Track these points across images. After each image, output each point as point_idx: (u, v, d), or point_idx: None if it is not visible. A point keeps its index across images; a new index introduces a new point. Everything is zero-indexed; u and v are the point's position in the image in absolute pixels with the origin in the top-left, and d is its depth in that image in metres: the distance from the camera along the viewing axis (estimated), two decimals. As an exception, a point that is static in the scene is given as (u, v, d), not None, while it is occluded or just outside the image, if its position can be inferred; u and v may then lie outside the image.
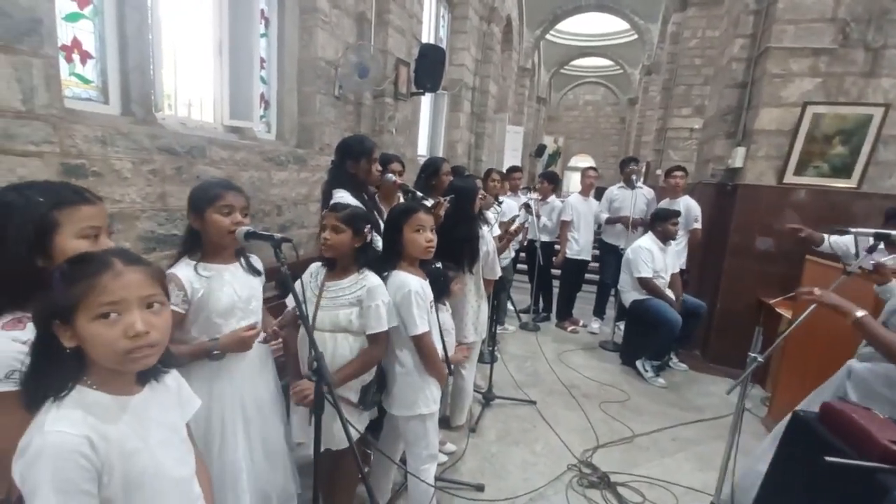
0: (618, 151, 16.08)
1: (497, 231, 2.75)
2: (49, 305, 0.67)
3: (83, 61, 2.15)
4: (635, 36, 11.80)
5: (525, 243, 4.33)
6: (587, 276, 4.65)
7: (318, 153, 3.46)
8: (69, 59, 2.09)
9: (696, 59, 6.95)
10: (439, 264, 1.85)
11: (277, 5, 3.26)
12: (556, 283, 4.72)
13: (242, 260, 1.42)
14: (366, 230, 1.50)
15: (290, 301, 1.56)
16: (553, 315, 4.68)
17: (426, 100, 5.93)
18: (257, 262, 1.50)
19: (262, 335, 1.41)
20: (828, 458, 1.24)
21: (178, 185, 2.39)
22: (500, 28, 7.69)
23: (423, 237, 1.59)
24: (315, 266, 1.56)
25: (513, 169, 4.52)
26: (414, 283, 1.55)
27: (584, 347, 4.00)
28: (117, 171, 2.13)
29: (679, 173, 3.88)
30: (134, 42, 2.28)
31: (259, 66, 3.07)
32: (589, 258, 4.42)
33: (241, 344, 1.30)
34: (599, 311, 4.53)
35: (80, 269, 0.67)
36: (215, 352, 1.28)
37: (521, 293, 5.01)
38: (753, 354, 1.63)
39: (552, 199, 4.53)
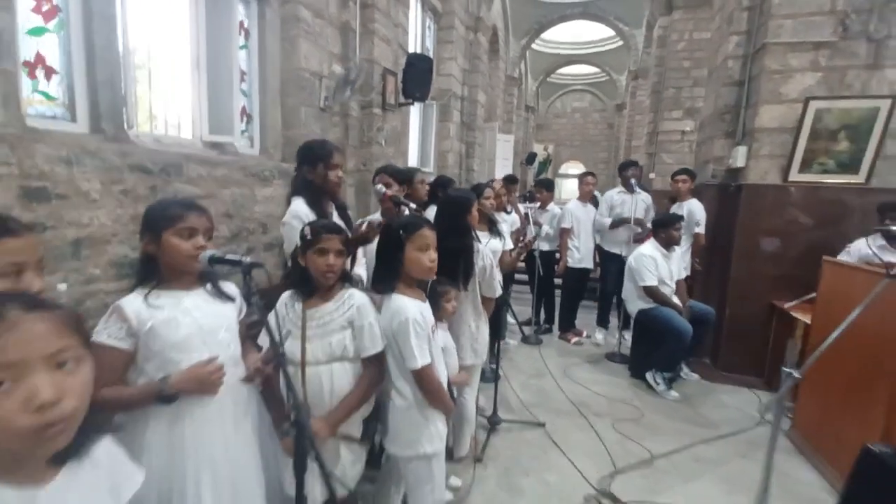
0: (607, 157, 16.12)
1: (510, 244, 2.60)
2: None
3: (48, 77, 1.99)
4: (620, 42, 11.89)
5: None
6: (588, 284, 4.50)
7: (306, 167, 3.31)
8: (32, 76, 1.93)
9: (685, 61, 6.93)
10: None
11: (258, 16, 3.13)
12: (556, 292, 4.58)
13: (209, 285, 1.22)
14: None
15: (263, 338, 1.38)
16: (555, 327, 4.52)
17: (415, 110, 5.83)
18: (228, 287, 1.29)
19: (239, 373, 1.21)
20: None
21: (153, 206, 2.22)
22: (486, 37, 7.66)
23: (428, 256, 1.44)
24: (287, 295, 1.39)
25: (511, 180, 4.38)
26: (412, 310, 1.39)
27: (589, 360, 3.84)
28: (84, 193, 1.96)
29: (683, 177, 3.77)
30: (103, 55, 2.12)
31: (239, 79, 2.92)
32: (591, 266, 4.28)
33: (198, 383, 1.09)
34: (603, 321, 4.38)
35: None
36: (166, 393, 1.07)
37: (521, 304, 4.85)
38: (788, 370, 1.48)
39: (551, 206, 4.42)
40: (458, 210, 1.99)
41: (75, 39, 2.05)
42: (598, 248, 4.25)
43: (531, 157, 12.58)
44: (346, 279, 1.40)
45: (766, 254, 3.39)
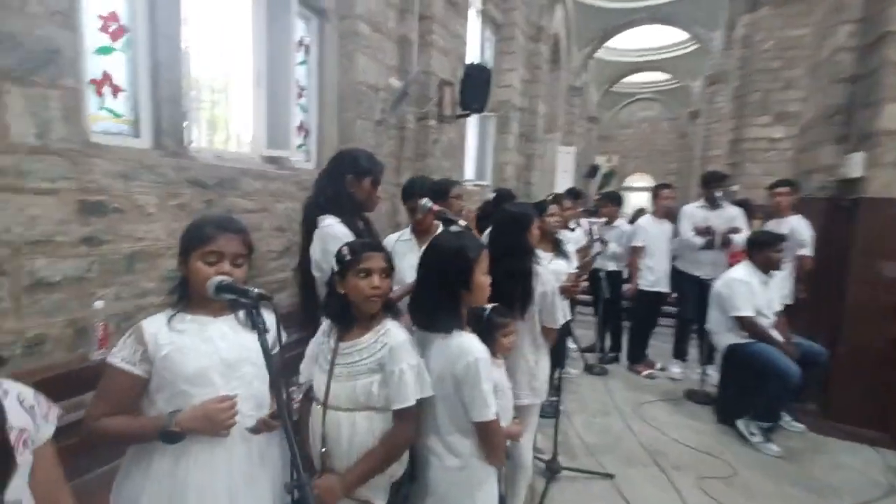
0: (678, 168, 15.04)
1: (574, 266, 2.30)
2: None
3: (114, 94, 2.05)
4: (694, 46, 11.11)
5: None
6: (662, 309, 4.02)
7: (359, 181, 3.24)
8: (99, 93, 1.99)
9: (774, 61, 6.23)
10: (487, 306, 1.47)
11: (318, 32, 3.14)
12: (623, 316, 4.14)
13: (241, 312, 1.07)
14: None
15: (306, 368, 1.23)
16: (623, 355, 4.07)
17: (472, 122, 5.69)
18: (266, 316, 1.15)
19: (250, 422, 1.02)
20: None
21: (206, 221, 2.22)
22: (548, 47, 7.41)
23: (487, 280, 1.24)
24: (328, 323, 1.23)
25: (575, 193, 4.04)
26: (479, 348, 1.17)
27: (665, 398, 3.38)
28: (140, 207, 1.97)
29: (785, 189, 3.25)
30: (166, 74, 2.16)
31: (296, 95, 2.92)
32: (667, 289, 3.79)
33: (207, 421, 0.94)
34: (680, 353, 3.86)
35: None
36: (170, 429, 0.94)
37: (583, 327, 4.45)
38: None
39: (619, 221, 4.02)
40: (516, 227, 1.76)
41: (141, 57, 2.09)
42: (674, 270, 3.77)
43: (593, 170, 12.02)
44: (389, 308, 1.22)
45: (890, 280, 2.80)
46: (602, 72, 13.25)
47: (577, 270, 2.17)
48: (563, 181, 8.12)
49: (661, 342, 4.09)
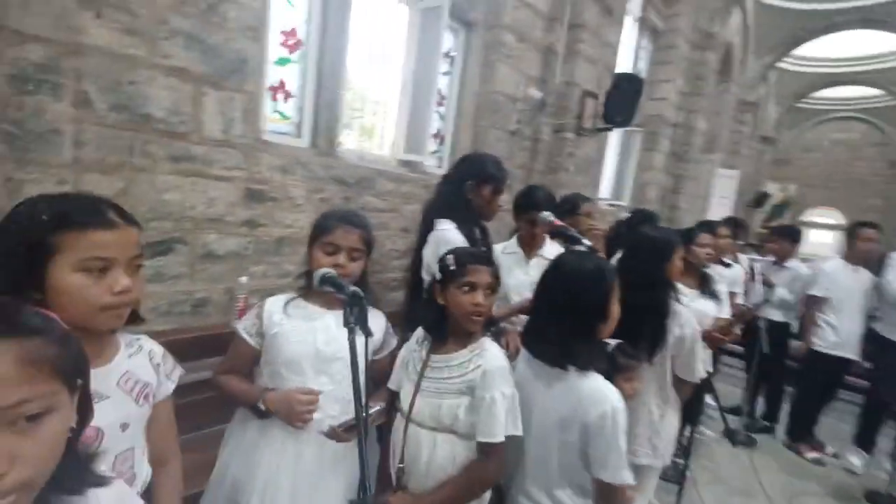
0: (884, 206, 11.93)
1: (727, 312, 1.93)
2: None
3: (286, 99, 2.36)
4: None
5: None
6: (844, 379, 3.14)
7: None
8: (274, 98, 2.31)
9: None
10: (612, 342, 1.27)
11: (464, 44, 3.22)
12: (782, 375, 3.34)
13: (350, 309, 1.08)
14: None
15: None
16: (780, 427, 3.28)
17: (614, 137, 5.28)
18: (374, 317, 1.10)
19: (327, 426, 1.02)
20: None
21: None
22: (716, 56, 6.53)
23: (618, 312, 1.10)
24: (423, 331, 1.17)
25: (737, 223, 3.40)
26: (618, 397, 1.02)
27: (835, 494, 2.61)
28: (292, 198, 2.22)
29: None
30: (328, 82, 2.42)
31: (436, 103, 3.02)
32: (855, 357, 2.93)
33: (288, 408, 0.99)
34: (866, 441, 2.94)
35: None
36: (260, 405, 1.02)
37: (730, 382, 3.73)
38: None
39: (793, 262, 3.25)
40: (655, 254, 1.52)
41: (310, 68, 2.38)
42: (871, 334, 2.89)
43: (761, 198, 10.23)
44: (491, 325, 1.13)
45: None
46: (786, 85, 11.22)
47: (729, 317, 1.79)
48: (720, 209, 7.01)
49: (836, 420, 3.22)
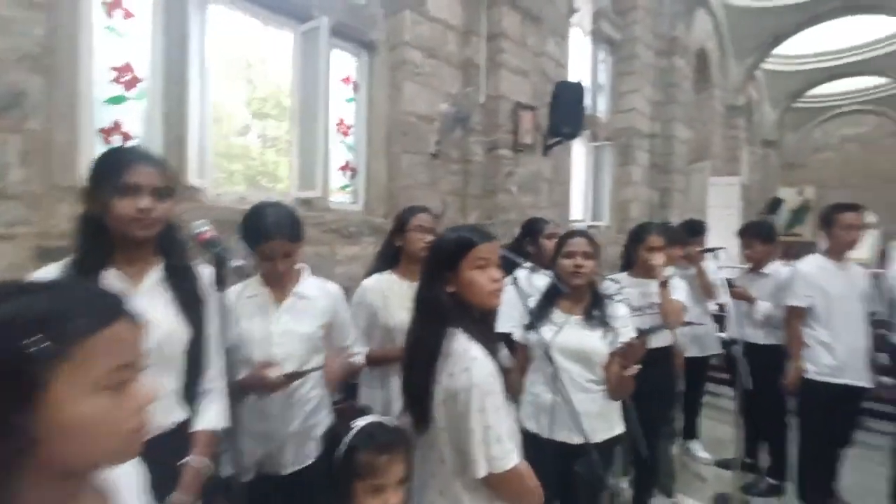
0: (916, 197, 10.92)
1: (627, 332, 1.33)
2: None
3: (124, 142, 2.06)
4: (926, 32, 8.18)
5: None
6: (857, 411, 2.39)
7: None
8: (108, 141, 2.01)
9: None
10: None
11: (368, 67, 2.93)
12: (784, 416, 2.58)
13: None
14: None
15: None
16: (791, 485, 2.36)
17: (580, 152, 4.88)
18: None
19: None
20: None
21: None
22: (686, 61, 6.18)
23: None
24: None
25: (695, 228, 2.76)
26: None
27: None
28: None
29: None
30: (173, 119, 2.14)
31: (328, 133, 2.69)
32: (864, 384, 2.12)
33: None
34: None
35: None
36: None
37: (720, 422, 2.98)
38: None
39: (772, 267, 2.48)
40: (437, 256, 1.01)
41: (156, 106, 2.10)
42: (883, 344, 2.15)
43: (774, 204, 9.53)
44: None
45: None
46: (779, 85, 10.76)
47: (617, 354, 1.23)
48: (723, 219, 6.34)
49: (863, 466, 2.43)
